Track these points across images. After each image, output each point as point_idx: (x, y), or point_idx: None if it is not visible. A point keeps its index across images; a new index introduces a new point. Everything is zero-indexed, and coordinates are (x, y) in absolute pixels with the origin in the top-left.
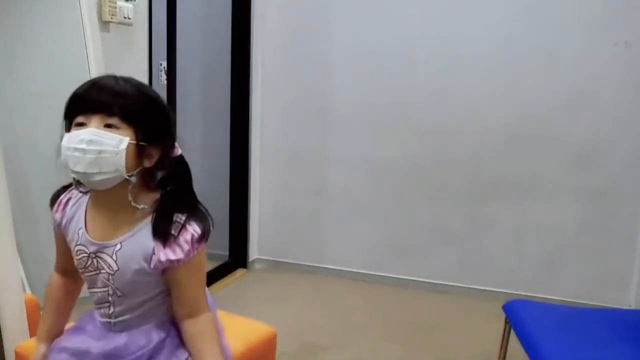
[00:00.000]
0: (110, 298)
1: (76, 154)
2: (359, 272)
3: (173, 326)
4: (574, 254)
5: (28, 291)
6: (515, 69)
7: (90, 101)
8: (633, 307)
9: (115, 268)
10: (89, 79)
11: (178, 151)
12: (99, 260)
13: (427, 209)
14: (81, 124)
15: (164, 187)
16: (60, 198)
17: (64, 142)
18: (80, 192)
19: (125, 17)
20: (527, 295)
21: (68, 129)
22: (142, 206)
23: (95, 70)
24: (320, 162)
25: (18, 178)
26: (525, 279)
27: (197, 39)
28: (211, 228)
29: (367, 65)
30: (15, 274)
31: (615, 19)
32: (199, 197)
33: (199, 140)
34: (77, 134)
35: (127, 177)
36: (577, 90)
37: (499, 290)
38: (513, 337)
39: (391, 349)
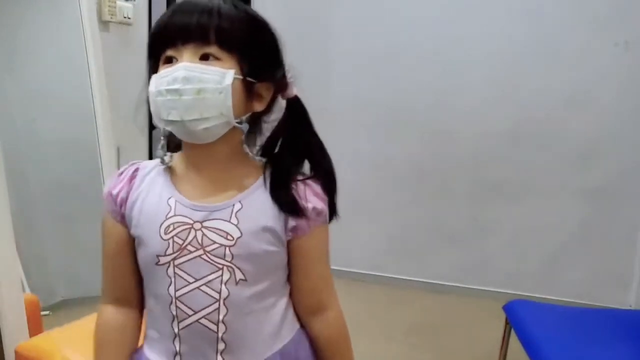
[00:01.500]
0: (223, 288)
1: (169, 97)
2: (359, 272)
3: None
4: (574, 254)
5: (28, 291)
6: (516, 69)
7: (179, 28)
8: (633, 307)
9: (236, 234)
10: (179, 3)
11: (293, 91)
12: (207, 230)
13: (428, 209)
14: (171, 59)
15: (276, 138)
16: (120, 172)
17: (152, 87)
18: (164, 163)
19: (125, 17)
20: (528, 296)
21: (155, 69)
22: (259, 158)
23: (95, 70)
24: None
25: (18, 178)
26: (526, 279)
27: None
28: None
29: (368, 66)
30: (15, 274)
31: (616, 19)
32: None
33: None
34: (166, 72)
35: (236, 125)
36: (577, 90)
37: (499, 290)
38: (513, 337)
39: (391, 349)
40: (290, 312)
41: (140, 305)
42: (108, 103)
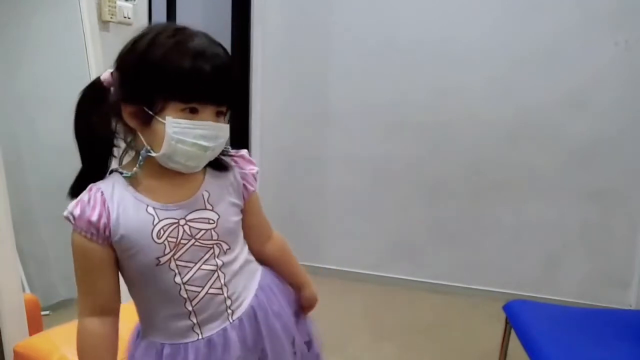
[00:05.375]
0: (217, 261)
1: (194, 149)
2: (359, 272)
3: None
4: (574, 254)
5: (27, 291)
6: (516, 69)
7: (212, 90)
8: (633, 307)
9: (215, 217)
10: (195, 49)
11: None
12: (192, 222)
13: (427, 208)
14: (194, 111)
15: None
16: (87, 199)
17: (174, 130)
18: (125, 176)
19: (125, 17)
20: (527, 296)
21: (160, 106)
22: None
23: (95, 70)
24: (320, 162)
25: (18, 178)
26: (525, 279)
27: None
28: None
29: (367, 65)
30: (15, 273)
31: (616, 18)
32: None
33: None
34: (192, 124)
35: None
36: (577, 89)
37: (499, 290)
38: (513, 337)
39: (391, 349)
40: (250, 256)
41: (118, 311)
42: None
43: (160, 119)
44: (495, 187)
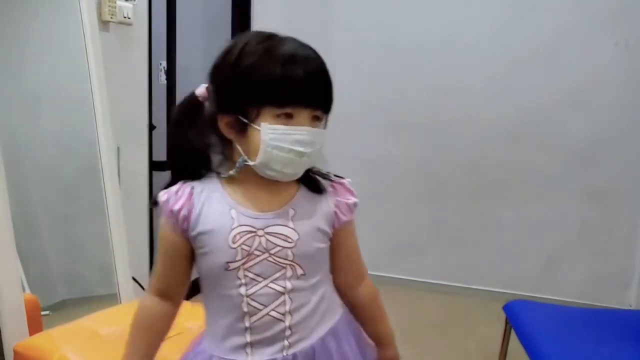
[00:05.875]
0: (287, 284)
1: (290, 155)
2: None
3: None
4: (574, 254)
5: (27, 291)
6: (516, 69)
7: (305, 92)
8: (633, 307)
9: (295, 237)
10: (286, 53)
11: None
12: (270, 236)
13: (428, 208)
14: (289, 116)
15: None
16: (176, 191)
17: (270, 137)
18: (222, 177)
19: (125, 17)
20: (528, 296)
21: (254, 113)
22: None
23: (95, 70)
24: (320, 162)
25: (18, 178)
26: (526, 279)
27: (197, 39)
28: None
29: (368, 65)
30: (15, 273)
31: (616, 18)
32: None
33: None
34: (289, 130)
35: None
36: (577, 89)
37: (499, 290)
38: (513, 337)
39: None
40: (335, 296)
41: (179, 301)
42: (108, 103)
43: (255, 126)
44: (496, 187)
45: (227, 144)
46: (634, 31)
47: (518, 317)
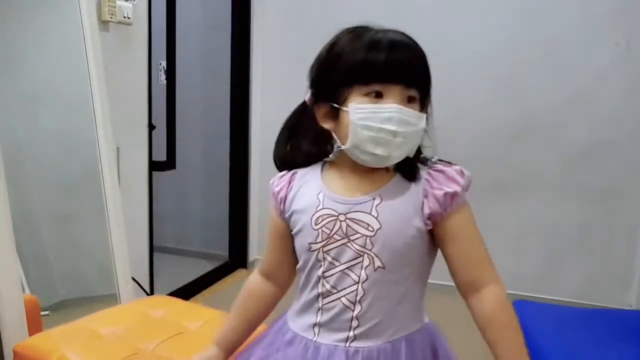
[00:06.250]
0: (362, 273)
1: (382, 135)
2: None
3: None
4: (575, 254)
5: (27, 291)
6: (516, 69)
7: (396, 68)
8: (633, 307)
9: (376, 226)
10: (373, 36)
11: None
12: (351, 222)
13: None
14: (379, 95)
15: None
16: (282, 175)
17: (359, 117)
18: (324, 160)
19: (124, 17)
20: (528, 296)
21: (344, 96)
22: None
23: (95, 70)
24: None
25: (18, 178)
26: (526, 279)
27: (197, 39)
28: None
29: None
30: (15, 274)
31: (617, 18)
32: (199, 196)
33: (198, 140)
34: (378, 108)
35: None
36: (578, 90)
37: None
38: None
39: None
40: (423, 303)
41: (282, 284)
42: (108, 103)
43: (345, 109)
44: (496, 187)
45: (330, 139)
46: (634, 31)
47: (518, 317)
